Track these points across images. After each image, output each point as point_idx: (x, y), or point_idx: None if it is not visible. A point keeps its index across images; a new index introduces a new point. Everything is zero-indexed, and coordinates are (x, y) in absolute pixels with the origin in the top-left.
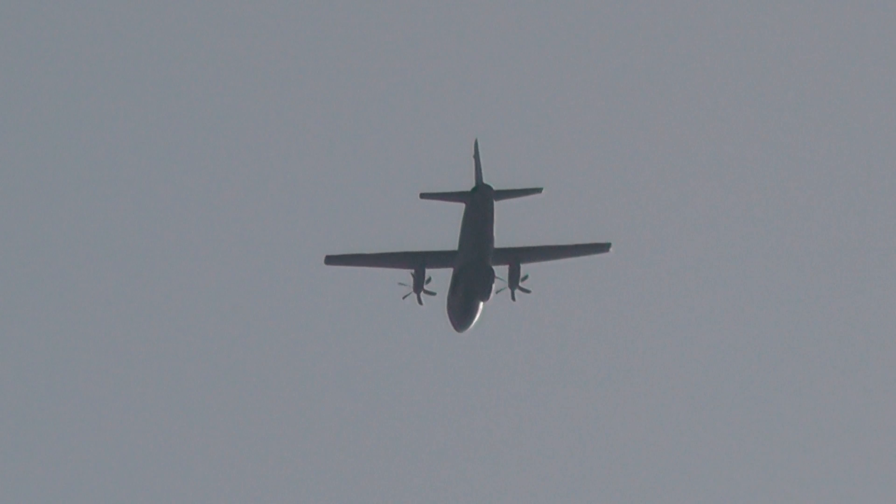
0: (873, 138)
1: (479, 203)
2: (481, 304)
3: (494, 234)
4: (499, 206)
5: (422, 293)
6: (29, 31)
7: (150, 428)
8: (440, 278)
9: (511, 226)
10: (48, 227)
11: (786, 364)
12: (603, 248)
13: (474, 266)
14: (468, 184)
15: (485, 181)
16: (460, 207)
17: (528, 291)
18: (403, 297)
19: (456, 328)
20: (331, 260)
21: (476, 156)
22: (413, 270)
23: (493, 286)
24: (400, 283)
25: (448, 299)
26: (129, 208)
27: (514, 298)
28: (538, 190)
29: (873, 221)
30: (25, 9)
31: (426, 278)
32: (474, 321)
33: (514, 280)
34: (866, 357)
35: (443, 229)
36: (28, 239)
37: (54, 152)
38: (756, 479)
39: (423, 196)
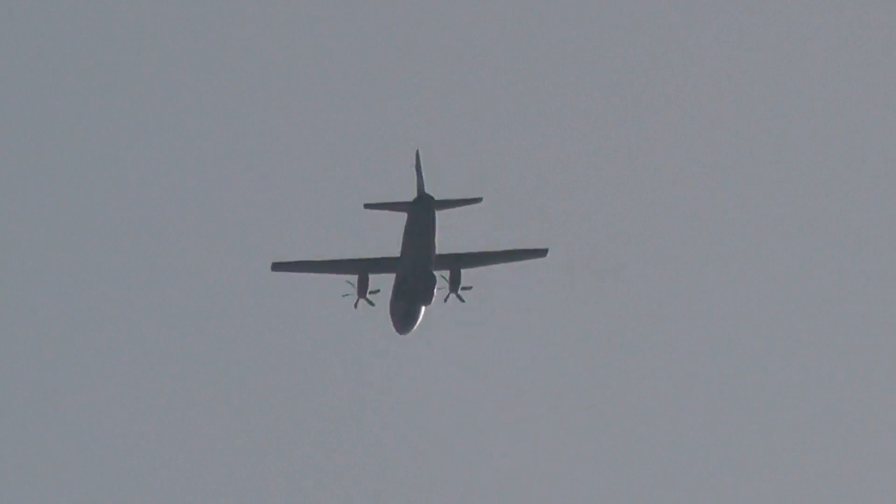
0: (861, 140)
1: (420, 212)
2: (423, 308)
3: (436, 241)
4: (440, 215)
5: (368, 295)
6: (29, 31)
7: (108, 434)
8: (383, 283)
9: (452, 232)
10: (35, 230)
11: (727, 362)
12: (540, 253)
13: (417, 272)
14: (410, 194)
15: (426, 191)
16: (403, 216)
17: (469, 288)
18: (355, 306)
19: (399, 331)
20: (277, 266)
21: (418, 166)
22: (357, 276)
23: (435, 291)
24: (344, 295)
25: (391, 304)
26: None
27: (462, 300)
28: (478, 199)
29: (856, 221)
30: (25, 9)
31: (372, 289)
32: (416, 324)
33: (454, 284)
34: (850, 354)
35: (386, 236)
36: (22, 240)
37: (45, 152)
38: (728, 476)
39: (367, 206)
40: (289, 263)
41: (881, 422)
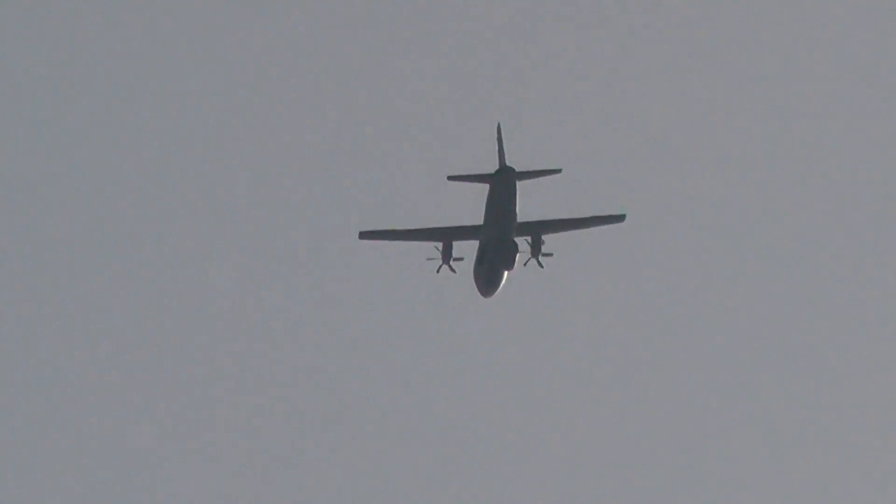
0: (862, 140)
1: (502, 184)
2: (505, 272)
3: (517, 209)
4: (521, 185)
5: (451, 262)
6: (29, 31)
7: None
8: (467, 250)
9: (533, 200)
10: (40, 227)
11: (794, 348)
12: (618, 218)
13: (499, 240)
14: (493, 165)
15: (507, 163)
16: (485, 186)
17: (550, 255)
18: (437, 271)
19: (482, 294)
20: (364, 235)
21: (499, 139)
22: (441, 244)
23: (517, 257)
24: (428, 259)
25: (475, 269)
26: (158, 175)
27: (541, 265)
28: (557, 171)
29: (856, 221)
30: (25, 9)
31: (456, 257)
32: (499, 288)
33: (536, 249)
34: (850, 354)
35: (468, 205)
36: (25, 239)
37: (45, 152)
38: (765, 474)
39: (450, 178)
40: (375, 232)
41: (881, 422)
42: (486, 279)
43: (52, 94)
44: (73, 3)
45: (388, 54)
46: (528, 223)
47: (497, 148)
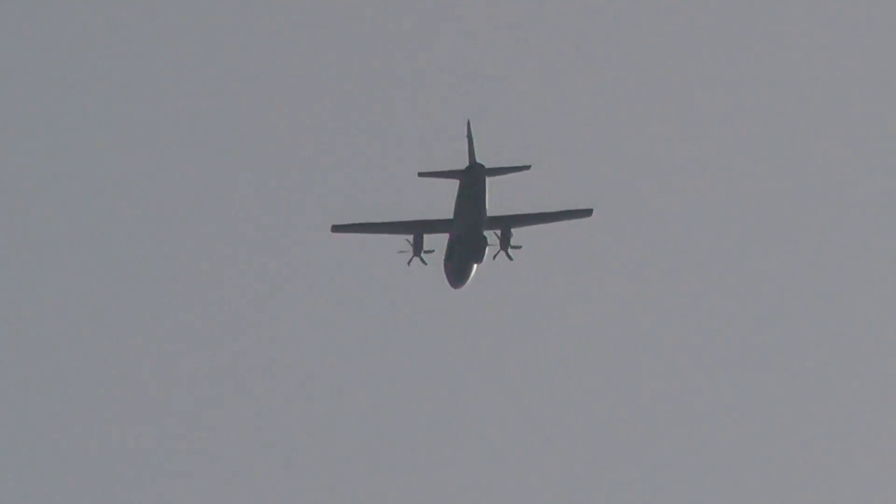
0: (861, 140)
1: (472, 180)
2: (475, 265)
3: (487, 205)
4: (490, 181)
5: (422, 254)
6: (29, 31)
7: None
8: (438, 243)
9: (503, 195)
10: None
11: (765, 346)
12: (586, 213)
13: (469, 234)
14: (463, 162)
15: (477, 159)
16: (456, 181)
17: (518, 247)
18: (408, 263)
19: (452, 286)
20: (337, 228)
21: (469, 136)
22: (412, 237)
23: (486, 250)
24: (400, 252)
25: (445, 262)
26: (133, 175)
27: (510, 258)
28: (527, 167)
29: (871, 217)
30: (25, 9)
31: (427, 249)
32: (469, 279)
33: (505, 242)
34: (850, 354)
35: (439, 199)
36: (27, 239)
37: (46, 152)
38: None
39: (421, 175)
40: (348, 226)
41: (881, 422)
42: (457, 272)
43: (40, 93)
44: (71, 3)
45: (362, 52)
46: (497, 217)
47: (467, 144)
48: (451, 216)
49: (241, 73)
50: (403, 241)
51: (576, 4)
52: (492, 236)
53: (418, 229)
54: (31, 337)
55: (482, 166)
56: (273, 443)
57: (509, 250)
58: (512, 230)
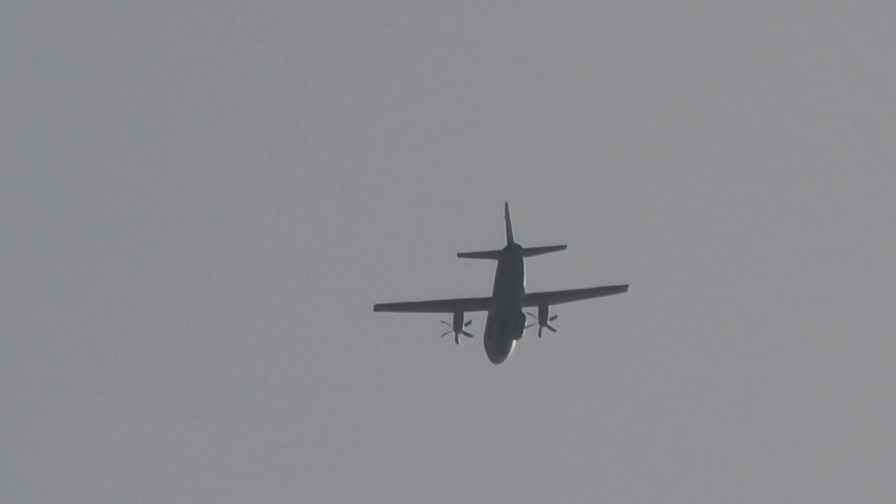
0: (862, 141)
1: (510, 260)
2: (514, 341)
3: (525, 283)
4: (528, 260)
5: (461, 333)
6: (29, 31)
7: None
8: (476, 320)
9: (541, 272)
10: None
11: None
12: (621, 289)
13: (508, 312)
14: (501, 242)
15: (515, 240)
16: (494, 261)
17: (554, 330)
18: (442, 335)
19: (492, 361)
20: (380, 307)
21: (507, 217)
22: (452, 314)
23: (525, 327)
24: (442, 322)
25: (485, 338)
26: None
27: (539, 335)
28: (563, 247)
29: (856, 221)
30: (25, 9)
31: (466, 321)
32: (508, 355)
33: (542, 319)
34: (850, 354)
35: (477, 277)
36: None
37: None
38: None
39: (460, 255)
40: (389, 304)
41: (881, 422)
42: (496, 348)
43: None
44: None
45: (404, 136)
46: (535, 294)
47: (505, 225)
48: (490, 294)
49: (286, 161)
50: (442, 322)
51: (608, 93)
52: (530, 316)
53: (458, 307)
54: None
55: (520, 247)
56: None
57: (544, 329)
58: (550, 307)
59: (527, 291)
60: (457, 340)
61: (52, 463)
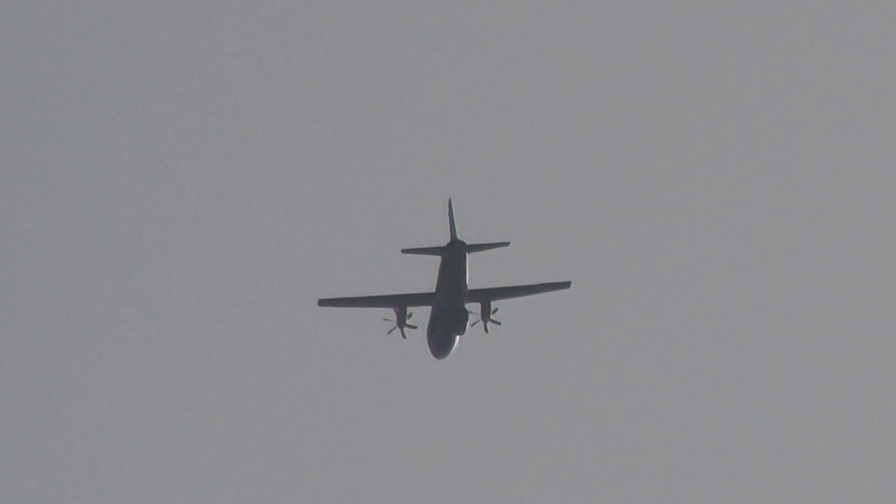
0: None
1: (453, 256)
2: (457, 337)
3: (468, 279)
4: (472, 256)
5: (405, 328)
6: (29, 32)
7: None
8: (420, 315)
9: (485, 268)
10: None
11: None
12: (564, 285)
13: (451, 307)
14: (444, 239)
15: (458, 237)
16: (437, 257)
17: (498, 323)
18: (388, 333)
19: (435, 356)
20: (324, 302)
21: (450, 214)
22: (396, 309)
23: (468, 322)
24: (385, 319)
25: (428, 333)
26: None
27: (487, 331)
28: (506, 243)
29: (855, 221)
30: (25, 9)
31: (408, 314)
32: (451, 350)
33: (486, 314)
34: (850, 354)
35: (421, 273)
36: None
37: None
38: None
39: (404, 251)
40: (334, 300)
41: (881, 422)
42: (440, 343)
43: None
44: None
45: (349, 134)
46: (478, 290)
47: (448, 222)
48: (433, 290)
49: (234, 152)
50: (388, 313)
51: (543, 91)
52: (473, 309)
53: (402, 303)
54: None
55: (463, 243)
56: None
57: (489, 322)
58: (493, 303)
59: (470, 287)
60: (404, 335)
61: (41, 464)
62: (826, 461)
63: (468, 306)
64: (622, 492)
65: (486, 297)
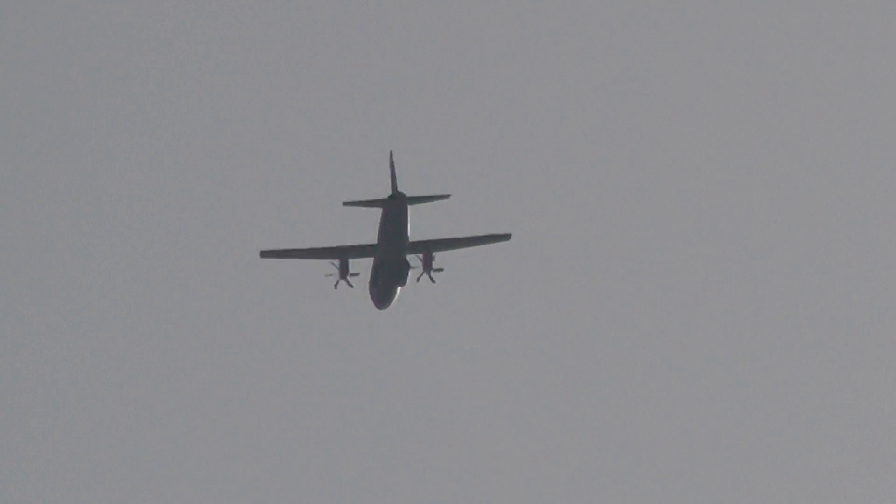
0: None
1: (395, 208)
2: (398, 288)
3: (409, 231)
4: (414, 208)
5: (347, 278)
6: (29, 32)
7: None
8: (362, 267)
9: (427, 219)
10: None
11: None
12: (505, 237)
13: (392, 259)
14: (386, 191)
15: (399, 189)
16: (379, 209)
17: (440, 270)
18: (335, 286)
19: (377, 307)
20: (266, 254)
21: (392, 166)
22: (338, 261)
23: (409, 274)
24: (328, 275)
25: (370, 285)
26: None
27: (433, 280)
28: (446, 196)
29: (855, 221)
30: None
31: (352, 272)
32: (393, 301)
33: (427, 265)
34: (849, 354)
35: (362, 225)
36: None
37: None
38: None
39: (346, 203)
40: (276, 251)
41: (881, 422)
42: (381, 294)
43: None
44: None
45: (291, 83)
46: (419, 242)
47: (390, 174)
48: (375, 241)
49: (176, 103)
50: (330, 265)
51: (492, 33)
52: (414, 261)
53: (344, 254)
54: None
55: (404, 195)
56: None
57: (432, 273)
58: (434, 254)
59: (411, 240)
60: (350, 285)
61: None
62: (821, 455)
63: (410, 258)
64: (555, 440)
65: (428, 248)
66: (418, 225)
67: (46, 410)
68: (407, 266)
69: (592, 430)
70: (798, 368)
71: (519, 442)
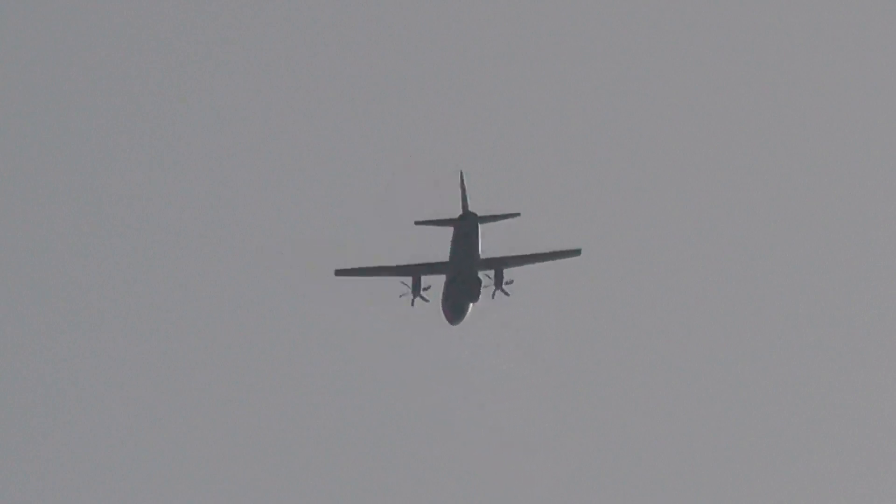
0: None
1: (465, 227)
2: (471, 304)
3: (480, 249)
4: (485, 226)
5: (422, 293)
6: (29, 32)
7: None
8: (434, 283)
9: (499, 236)
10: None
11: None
12: (574, 253)
13: (464, 276)
14: (457, 210)
15: (470, 208)
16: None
17: (507, 294)
18: (412, 303)
19: (450, 322)
20: (341, 272)
21: (462, 186)
22: (410, 279)
23: (481, 290)
24: (401, 296)
25: (442, 301)
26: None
27: (506, 293)
28: (516, 214)
29: (855, 222)
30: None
31: (424, 287)
32: (465, 317)
33: (498, 281)
34: (850, 354)
35: (434, 243)
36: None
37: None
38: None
39: (417, 223)
40: (350, 269)
41: (881, 422)
42: (454, 310)
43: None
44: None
45: (364, 109)
46: (490, 259)
47: (461, 194)
48: (446, 259)
49: (250, 126)
50: (401, 284)
51: (559, 57)
52: (486, 278)
53: (416, 272)
54: None
55: (474, 215)
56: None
57: (504, 287)
58: (505, 271)
59: (482, 256)
60: (425, 299)
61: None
62: (821, 455)
63: (481, 274)
64: (622, 449)
65: (498, 265)
66: (489, 240)
67: (66, 411)
68: (478, 282)
69: (664, 445)
70: (819, 372)
71: (588, 456)
